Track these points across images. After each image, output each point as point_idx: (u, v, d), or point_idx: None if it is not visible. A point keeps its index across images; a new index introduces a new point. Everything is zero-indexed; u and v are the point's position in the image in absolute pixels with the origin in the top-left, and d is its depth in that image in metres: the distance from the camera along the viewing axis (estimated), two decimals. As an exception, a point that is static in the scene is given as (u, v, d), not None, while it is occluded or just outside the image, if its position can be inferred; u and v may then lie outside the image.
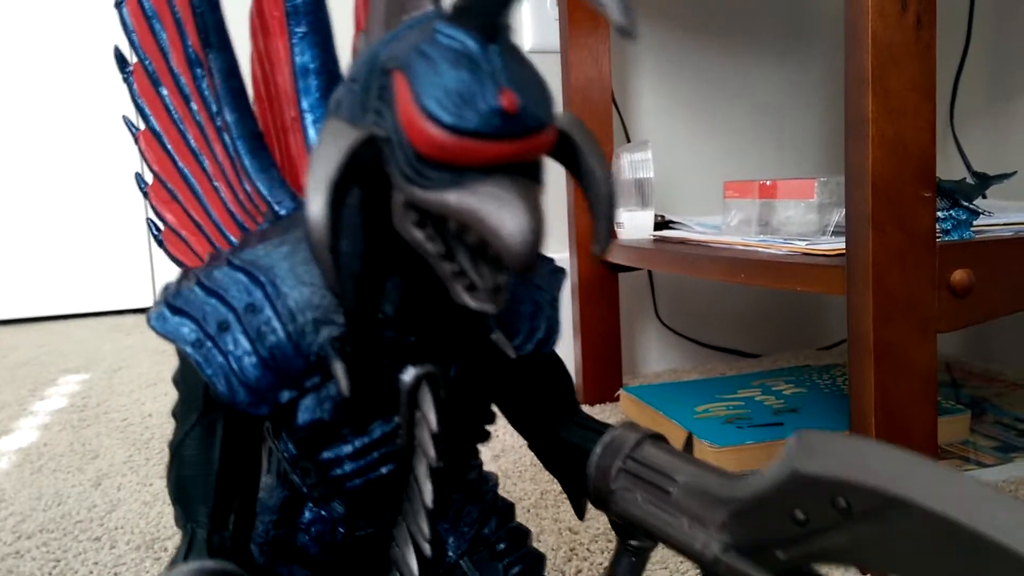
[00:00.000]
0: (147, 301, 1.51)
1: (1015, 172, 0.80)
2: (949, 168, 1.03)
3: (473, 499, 0.37)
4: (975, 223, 0.63)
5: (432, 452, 0.31)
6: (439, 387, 0.31)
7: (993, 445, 0.75)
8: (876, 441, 0.26)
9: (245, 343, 0.29)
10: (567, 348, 1.04)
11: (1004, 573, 0.22)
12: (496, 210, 0.23)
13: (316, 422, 0.30)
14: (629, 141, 1.09)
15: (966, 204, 0.62)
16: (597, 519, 0.63)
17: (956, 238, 0.61)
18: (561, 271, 0.37)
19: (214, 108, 0.35)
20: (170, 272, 0.33)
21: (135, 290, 1.52)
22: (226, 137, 0.35)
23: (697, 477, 0.30)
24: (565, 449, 0.36)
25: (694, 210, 1.08)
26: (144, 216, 0.37)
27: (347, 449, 0.32)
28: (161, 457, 0.82)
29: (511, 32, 0.25)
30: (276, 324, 0.29)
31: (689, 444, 0.35)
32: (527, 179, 0.24)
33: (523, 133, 0.24)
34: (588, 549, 0.59)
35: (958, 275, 0.54)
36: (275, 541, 0.34)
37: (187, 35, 0.35)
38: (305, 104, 0.35)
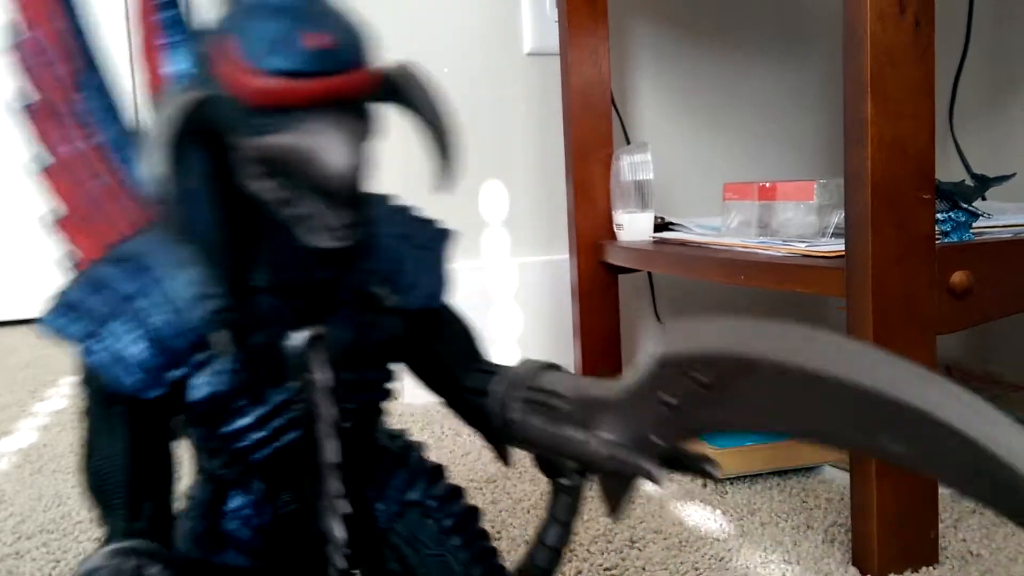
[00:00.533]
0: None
1: (1014, 174, 0.80)
2: (948, 170, 1.03)
3: (399, 465, 0.38)
4: (974, 225, 0.63)
5: (331, 410, 0.32)
6: (327, 347, 0.31)
7: (992, 447, 0.75)
8: (733, 319, 0.28)
9: (129, 330, 0.30)
10: (567, 349, 1.04)
11: (844, 405, 0.24)
12: (316, 142, 0.26)
13: (211, 397, 0.31)
14: (629, 143, 1.09)
15: (965, 206, 0.62)
16: (597, 519, 0.63)
17: (955, 240, 0.61)
18: (447, 231, 0.38)
19: (99, 127, 0.37)
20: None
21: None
22: (112, 153, 0.37)
23: (583, 387, 0.32)
24: (470, 395, 0.37)
25: (694, 212, 1.08)
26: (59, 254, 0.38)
27: (247, 420, 0.32)
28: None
29: None
30: (157, 307, 0.30)
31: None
32: (350, 115, 0.27)
33: (338, 70, 0.26)
34: (588, 550, 0.59)
35: (957, 277, 0.54)
36: (205, 532, 0.35)
37: (73, 60, 0.36)
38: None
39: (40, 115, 0.37)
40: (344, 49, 0.26)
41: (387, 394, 0.37)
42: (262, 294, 0.31)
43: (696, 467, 0.30)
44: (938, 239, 0.57)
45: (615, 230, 0.98)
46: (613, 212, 0.98)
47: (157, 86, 0.36)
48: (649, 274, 1.12)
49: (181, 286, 0.30)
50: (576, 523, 0.35)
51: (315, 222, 0.27)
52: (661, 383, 0.28)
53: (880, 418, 0.24)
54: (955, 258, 0.54)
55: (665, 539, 0.61)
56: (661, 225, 0.96)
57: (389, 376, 0.37)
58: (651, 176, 0.93)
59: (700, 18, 1.14)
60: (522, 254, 1.08)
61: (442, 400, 0.39)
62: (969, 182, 0.72)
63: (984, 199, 0.80)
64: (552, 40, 1.02)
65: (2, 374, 1.18)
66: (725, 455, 0.72)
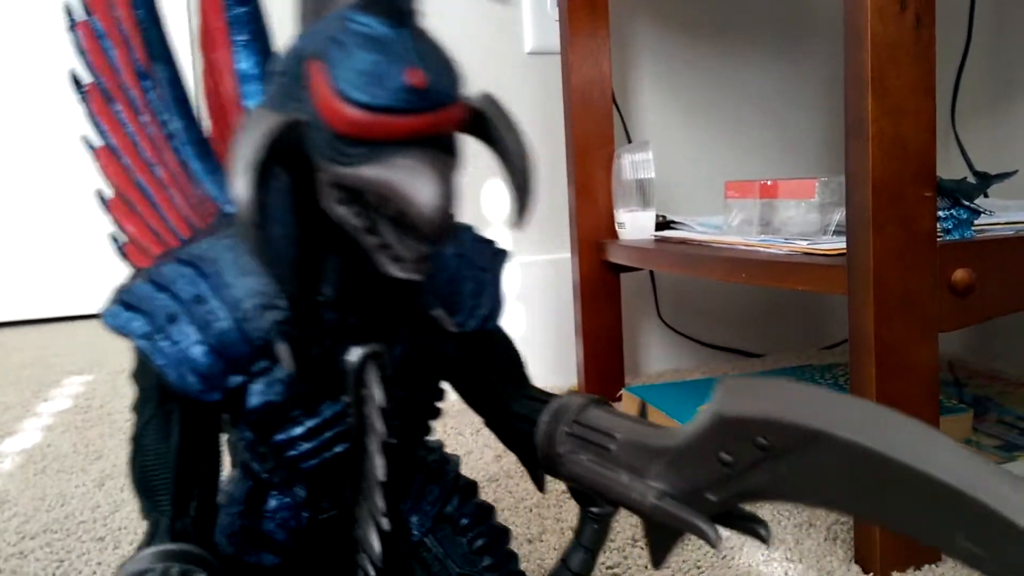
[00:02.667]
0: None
1: (1016, 171, 0.80)
2: (950, 167, 1.03)
3: (434, 479, 0.38)
4: (976, 222, 0.63)
5: (382, 427, 0.32)
6: (384, 365, 0.32)
7: (996, 444, 0.75)
8: (795, 382, 0.27)
9: (193, 332, 0.30)
10: (569, 348, 1.04)
11: (917, 493, 0.23)
12: (408, 180, 0.25)
13: (267, 405, 0.32)
14: (630, 141, 1.09)
15: (967, 203, 0.62)
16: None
17: (957, 237, 0.61)
18: (504, 252, 0.38)
19: (163, 117, 0.37)
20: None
21: (138, 292, 1.52)
22: (176, 144, 0.37)
23: (635, 432, 0.31)
24: (516, 421, 0.37)
25: (695, 210, 1.08)
26: (108, 232, 0.38)
27: (299, 430, 0.33)
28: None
29: (419, 16, 0.26)
30: (221, 312, 0.30)
31: (643, 412, 0.36)
32: (440, 152, 0.26)
33: (432, 108, 0.26)
34: (590, 549, 0.59)
35: (959, 274, 0.54)
36: (242, 530, 0.35)
37: (134, 50, 0.37)
38: (250, 107, 0.36)
39: (93, 98, 0.38)
40: (439, 85, 0.26)
41: (436, 413, 0.37)
42: (325, 308, 0.31)
43: (748, 528, 0.30)
44: (940, 237, 0.57)
45: (616, 229, 0.98)
46: (614, 211, 0.98)
47: (220, 87, 0.36)
48: (651, 273, 1.12)
49: (246, 294, 0.31)
50: (601, 551, 0.36)
51: (393, 252, 0.27)
52: (720, 441, 0.28)
53: (956, 515, 0.23)
54: (957, 256, 0.54)
55: (667, 537, 0.61)
56: (663, 224, 0.96)
57: (439, 395, 0.37)
58: (652, 175, 0.93)
59: (701, 16, 1.14)
60: (524, 253, 1.08)
61: (483, 419, 0.39)
62: (971, 179, 0.72)
63: (986, 196, 0.80)
64: (553, 39, 1.02)
65: (6, 374, 1.18)
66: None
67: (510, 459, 0.78)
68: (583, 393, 0.35)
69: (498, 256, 0.38)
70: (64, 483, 0.77)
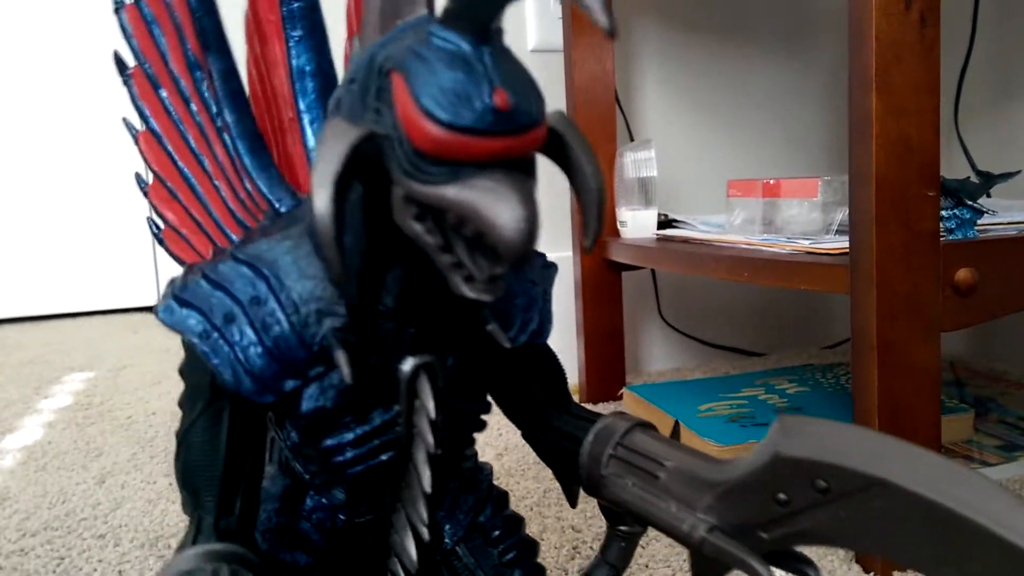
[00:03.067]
0: (152, 299, 1.51)
1: (1020, 171, 0.80)
2: (953, 167, 1.03)
3: (469, 488, 0.38)
4: (979, 222, 0.63)
5: (431, 439, 0.32)
6: (437, 377, 0.31)
7: (997, 444, 0.75)
8: (855, 425, 0.27)
9: (251, 334, 0.30)
10: (571, 347, 1.04)
11: (980, 551, 0.23)
12: (492, 203, 0.24)
13: (319, 410, 0.31)
14: (632, 140, 1.09)
15: (970, 203, 0.62)
16: (600, 518, 0.63)
17: (960, 237, 0.61)
18: (553, 266, 0.38)
19: (214, 109, 0.36)
20: (174, 271, 0.34)
21: (140, 288, 1.53)
22: (226, 137, 0.36)
23: (684, 462, 0.31)
24: (558, 438, 0.37)
25: (698, 209, 1.08)
26: (146, 215, 0.38)
27: (349, 436, 0.33)
28: (166, 455, 0.82)
29: (502, 34, 0.26)
30: (280, 315, 0.30)
31: (676, 432, 0.36)
32: (521, 174, 0.25)
33: (516, 130, 0.25)
34: (591, 547, 0.59)
35: (962, 274, 0.54)
36: (278, 528, 0.35)
37: (186, 39, 0.36)
38: (302, 105, 0.36)
39: (138, 81, 0.37)
40: (523, 107, 0.25)
41: (482, 425, 0.37)
42: (384, 318, 0.31)
43: (797, 569, 0.29)
44: (942, 236, 0.56)
45: (619, 227, 0.98)
46: (617, 209, 0.98)
47: (272, 81, 0.36)
48: (653, 271, 1.12)
49: (305, 298, 0.30)
50: (627, 570, 0.36)
51: (467, 271, 0.26)
52: (777, 480, 0.27)
53: None
54: (960, 255, 0.54)
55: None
56: (665, 222, 0.96)
57: (486, 408, 0.37)
58: (655, 173, 0.93)
59: (704, 14, 1.14)
60: (525, 251, 1.08)
61: (521, 432, 0.39)
62: (974, 179, 0.72)
63: (989, 196, 0.80)
64: (556, 37, 1.02)
65: (7, 371, 1.18)
66: (728, 452, 0.72)
67: (512, 457, 0.78)
68: (628, 415, 0.35)
69: (548, 270, 0.38)
70: (65, 480, 0.77)
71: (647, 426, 0.34)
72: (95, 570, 0.59)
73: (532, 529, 0.62)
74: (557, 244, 1.08)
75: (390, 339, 0.31)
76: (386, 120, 0.26)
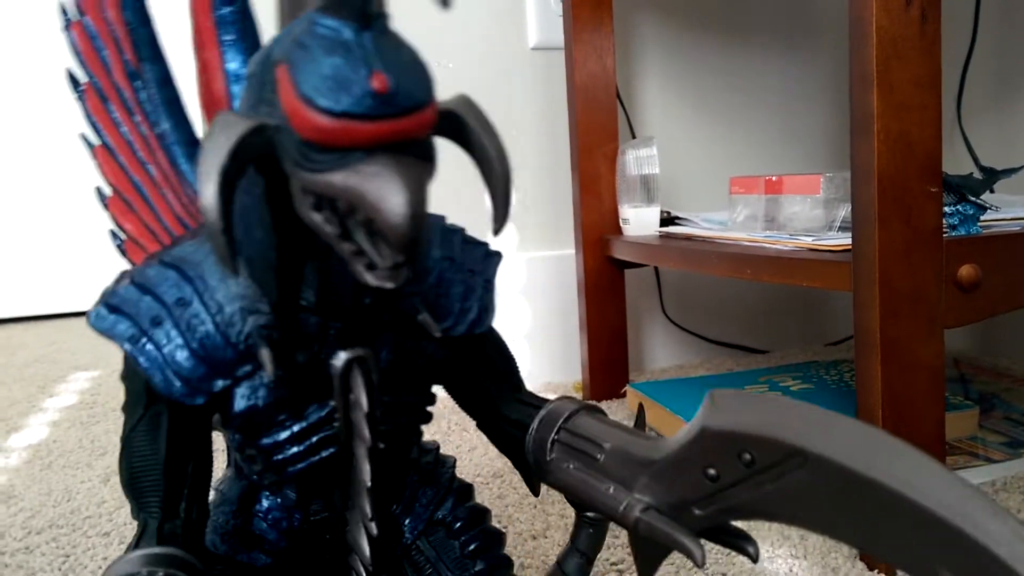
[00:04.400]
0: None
1: (1023, 167, 0.79)
2: (956, 163, 1.03)
3: (428, 482, 0.38)
4: (982, 218, 0.63)
5: (367, 433, 0.32)
6: (370, 370, 0.31)
7: (1002, 440, 0.75)
8: (785, 398, 0.27)
9: (177, 336, 0.30)
10: (574, 344, 1.04)
11: (901, 519, 0.23)
12: (376, 187, 0.24)
13: (251, 408, 0.32)
14: (634, 137, 1.09)
15: (973, 199, 0.62)
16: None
17: (963, 233, 0.61)
18: (496, 254, 0.38)
19: (154, 118, 0.37)
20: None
21: (143, 288, 1.53)
22: (165, 144, 0.37)
23: (623, 442, 0.31)
24: (508, 426, 0.37)
25: (700, 206, 1.08)
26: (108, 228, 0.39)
27: (285, 434, 0.33)
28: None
29: (386, 19, 0.26)
30: (205, 316, 0.30)
31: (640, 415, 0.36)
32: (411, 157, 0.25)
33: (399, 113, 0.25)
34: (594, 545, 0.59)
35: (965, 270, 0.54)
36: (235, 530, 0.35)
37: (124, 50, 0.37)
38: (237, 108, 0.36)
39: (89, 97, 0.38)
40: (408, 89, 0.25)
41: (427, 417, 0.37)
42: (308, 312, 0.31)
43: (735, 544, 0.29)
44: (945, 232, 0.56)
45: (621, 225, 0.98)
46: (619, 207, 0.98)
47: (212, 86, 0.36)
48: (655, 269, 1.12)
49: (229, 298, 0.31)
50: (597, 556, 0.35)
51: (368, 259, 0.26)
52: (706, 455, 0.27)
53: (940, 546, 0.22)
54: (962, 252, 0.54)
55: (671, 534, 0.61)
56: (667, 219, 0.96)
57: (429, 399, 0.37)
58: (657, 170, 0.93)
59: (705, 11, 1.14)
60: (528, 249, 1.08)
61: (476, 422, 0.39)
62: (977, 175, 0.72)
63: (992, 192, 0.80)
64: (557, 34, 1.02)
65: (11, 370, 1.19)
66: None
67: (514, 455, 0.78)
68: (575, 399, 0.35)
69: (490, 259, 0.37)
70: (70, 479, 0.77)
71: (593, 409, 0.34)
72: (100, 568, 0.59)
73: (536, 527, 0.62)
74: (558, 243, 1.08)
75: (317, 334, 0.31)
76: (277, 112, 0.26)
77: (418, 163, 0.25)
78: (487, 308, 0.36)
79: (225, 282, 0.31)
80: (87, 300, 1.34)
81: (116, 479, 0.76)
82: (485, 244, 0.38)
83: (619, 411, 0.94)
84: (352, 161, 0.25)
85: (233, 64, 0.36)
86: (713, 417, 0.27)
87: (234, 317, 0.30)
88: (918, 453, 0.23)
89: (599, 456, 0.31)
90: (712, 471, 0.27)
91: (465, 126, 0.28)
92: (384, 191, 0.24)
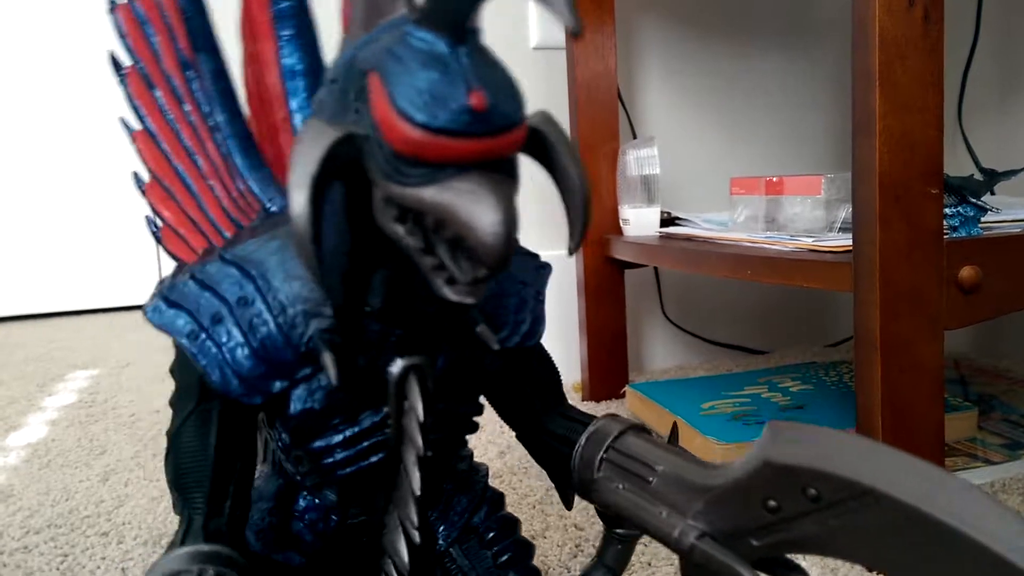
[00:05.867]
0: (154, 297, 1.51)
1: (1023, 169, 0.79)
2: (957, 164, 1.03)
3: (463, 489, 0.38)
4: (983, 219, 0.63)
5: (420, 441, 0.32)
6: (426, 378, 0.31)
7: (1001, 442, 0.75)
8: (847, 432, 0.26)
9: (238, 335, 0.30)
10: (573, 345, 1.04)
11: (968, 562, 0.22)
12: (469, 205, 0.24)
13: (307, 411, 0.31)
14: (635, 137, 1.09)
15: (974, 200, 0.62)
16: (603, 516, 0.63)
17: (964, 235, 0.61)
18: (547, 266, 0.38)
19: (206, 108, 0.37)
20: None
21: (143, 286, 1.53)
22: (218, 136, 0.37)
23: (676, 466, 0.31)
24: (551, 440, 0.37)
25: (700, 206, 1.07)
26: (144, 214, 0.38)
27: (338, 438, 0.33)
28: (168, 453, 0.82)
29: (479, 34, 0.25)
30: (267, 316, 0.30)
31: (674, 434, 0.35)
32: (501, 175, 0.25)
33: (493, 131, 0.24)
34: (593, 546, 0.59)
35: (966, 272, 0.54)
36: (271, 528, 0.35)
37: (177, 39, 0.36)
38: (294, 104, 0.36)
39: (132, 81, 0.38)
40: (503, 108, 0.25)
41: (474, 427, 0.37)
42: (370, 319, 0.31)
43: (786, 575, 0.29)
44: (946, 234, 0.56)
45: (621, 225, 0.98)
46: (619, 207, 0.98)
47: (265, 79, 0.36)
48: (655, 269, 1.12)
49: (292, 299, 0.30)
50: (624, 572, 0.36)
51: (448, 274, 0.26)
52: (767, 487, 0.27)
53: None
54: (963, 253, 0.54)
55: (671, 534, 0.61)
56: (668, 220, 0.96)
57: (478, 409, 0.37)
58: (657, 171, 0.93)
59: (707, 11, 1.14)
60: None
61: (516, 434, 0.39)
62: (978, 176, 0.72)
63: (993, 193, 0.80)
64: (558, 34, 1.02)
65: (10, 369, 1.19)
66: (732, 449, 0.71)
67: (514, 456, 0.78)
68: (621, 417, 0.35)
69: (541, 271, 0.37)
70: (68, 478, 0.77)
71: (640, 429, 0.34)
72: (98, 567, 0.59)
73: (535, 527, 0.62)
74: (560, 242, 1.08)
75: (378, 340, 0.31)
76: (365, 121, 0.25)
77: (507, 180, 0.25)
78: (539, 320, 0.36)
79: (288, 283, 0.30)
80: (86, 299, 1.33)
81: (115, 478, 0.76)
82: (536, 256, 0.38)
83: (619, 411, 0.94)
84: (444, 177, 0.24)
85: (290, 59, 0.35)
86: (775, 450, 0.26)
87: (296, 319, 0.30)
88: (987, 497, 0.23)
89: (651, 479, 0.31)
90: (772, 503, 0.27)
91: (549, 144, 0.28)
92: (478, 210, 0.24)
